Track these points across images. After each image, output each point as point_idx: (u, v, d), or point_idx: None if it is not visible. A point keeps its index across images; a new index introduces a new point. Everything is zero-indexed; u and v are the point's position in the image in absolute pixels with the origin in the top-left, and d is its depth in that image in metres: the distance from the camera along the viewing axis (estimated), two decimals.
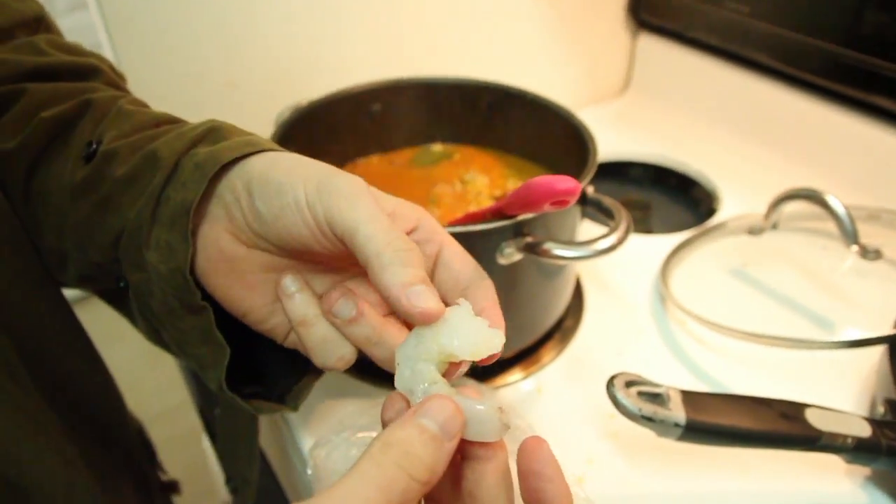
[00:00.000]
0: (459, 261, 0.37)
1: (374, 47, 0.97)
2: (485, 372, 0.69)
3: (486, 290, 0.36)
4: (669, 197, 1.06)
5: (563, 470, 0.32)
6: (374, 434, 0.32)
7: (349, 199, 0.33)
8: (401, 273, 0.31)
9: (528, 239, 0.57)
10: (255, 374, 0.45)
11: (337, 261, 0.39)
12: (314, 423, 0.64)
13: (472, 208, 0.72)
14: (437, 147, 0.86)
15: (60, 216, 0.42)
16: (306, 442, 0.62)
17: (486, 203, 0.76)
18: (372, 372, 0.68)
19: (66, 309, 0.50)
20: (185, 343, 0.40)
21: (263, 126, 0.71)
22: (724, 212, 0.94)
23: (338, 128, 0.81)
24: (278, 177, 0.35)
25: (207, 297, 0.39)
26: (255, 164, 0.36)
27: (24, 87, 0.44)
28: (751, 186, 0.96)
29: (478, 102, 0.83)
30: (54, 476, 0.39)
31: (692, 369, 0.70)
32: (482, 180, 0.78)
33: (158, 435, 0.74)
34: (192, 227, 0.36)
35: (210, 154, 0.37)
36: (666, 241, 0.85)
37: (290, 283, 0.39)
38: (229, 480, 0.66)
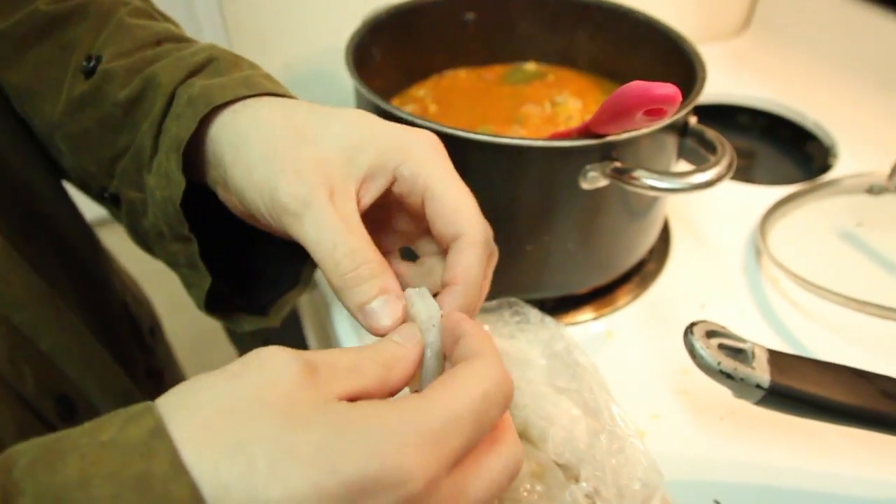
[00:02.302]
0: (448, 212, 0.35)
1: None
2: (554, 309, 0.64)
3: (467, 257, 0.35)
4: (778, 149, 0.97)
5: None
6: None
7: (296, 216, 0.33)
8: (350, 297, 0.33)
9: (617, 164, 0.52)
10: (242, 287, 0.46)
11: None
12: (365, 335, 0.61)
13: None
14: (531, 66, 0.80)
15: (54, 123, 0.43)
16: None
17: None
18: None
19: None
20: (172, 262, 0.41)
21: (350, 25, 0.66)
22: (840, 169, 0.85)
23: (426, 35, 0.76)
24: (241, 175, 0.35)
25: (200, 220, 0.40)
26: (233, 136, 0.36)
27: None
28: (875, 145, 0.86)
29: (581, 20, 0.76)
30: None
31: (782, 333, 0.64)
32: (574, 104, 0.72)
33: (192, 362, 0.75)
34: (200, 162, 0.37)
35: (203, 91, 0.37)
36: (769, 193, 0.78)
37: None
38: None
